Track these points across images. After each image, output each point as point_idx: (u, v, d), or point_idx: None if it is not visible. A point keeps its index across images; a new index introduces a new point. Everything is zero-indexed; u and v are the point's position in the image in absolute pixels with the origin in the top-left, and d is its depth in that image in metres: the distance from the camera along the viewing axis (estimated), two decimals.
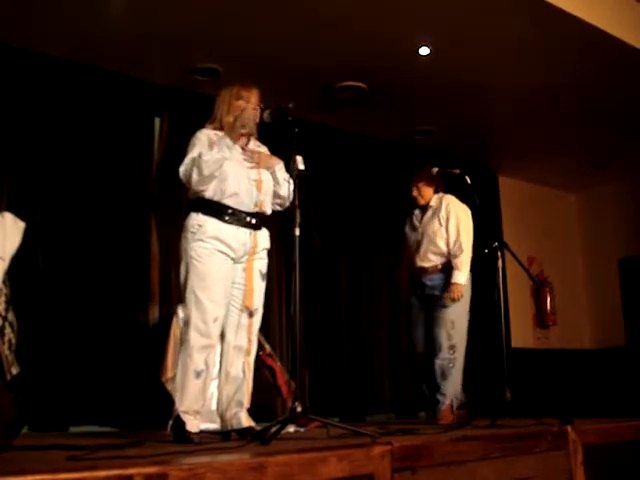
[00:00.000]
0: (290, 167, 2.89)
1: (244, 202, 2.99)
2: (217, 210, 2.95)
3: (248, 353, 3.08)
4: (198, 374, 2.89)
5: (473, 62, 4.89)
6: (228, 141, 3.03)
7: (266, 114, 3.06)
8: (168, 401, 3.97)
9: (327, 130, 5.86)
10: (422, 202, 4.45)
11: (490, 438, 2.61)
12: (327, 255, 5.57)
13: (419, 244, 4.41)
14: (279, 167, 3.11)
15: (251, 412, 3.08)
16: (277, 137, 3.16)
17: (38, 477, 1.40)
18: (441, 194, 4.44)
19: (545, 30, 4.48)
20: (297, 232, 2.76)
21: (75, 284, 4.42)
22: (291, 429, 3.62)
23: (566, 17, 4.31)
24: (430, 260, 4.35)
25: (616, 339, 7.38)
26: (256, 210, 3.04)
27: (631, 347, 7.22)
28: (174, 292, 4.62)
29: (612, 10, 4.66)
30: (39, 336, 4.08)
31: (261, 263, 3.11)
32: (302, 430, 3.74)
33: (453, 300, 4.23)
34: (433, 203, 4.42)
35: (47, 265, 4.35)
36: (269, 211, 3.15)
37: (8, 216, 3.10)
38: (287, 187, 3.11)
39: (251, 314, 3.08)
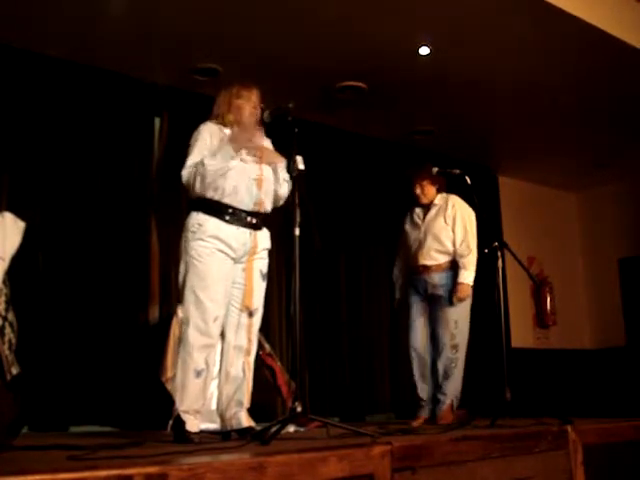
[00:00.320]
0: (290, 167, 2.88)
1: (244, 200, 2.98)
2: (217, 210, 2.95)
3: (248, 353, 3.07)
4: (198, 373, 2.89)
5: (473, 62, 4.89)
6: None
7: (266, 114, 3.06)
8: (168, 401, 3.98)
9: (327, 130, 5.86)
10: (424, 200, 4.44)
11: (490, 438, 2.60)
12: (327, 255, 5.57)
13: (421, 242, 4.37)
14: (281, 166, 3.11)
15: (251, 412, 3.07)
16: (277, 137, 3.17)
17: (38, 477, 1.40)
18: (445, 194, 4.44)
19: (545, 30, 4.48)
20: (297, 232, 2.75)
21: (75, 284, 4.43)
22: (291, 429, 3.62)
23: (566, 17, 4.31)
24: (434, 258, 4.33)
25: (616, 339, 7.39)
26: (256, 209, 3.03)
27: (631, 347, 7.22)
28: (174, 292, 4.62)
29: (612, 10, 4.66)
30: (39, 336, 4.09)
31: (262, 263, 3.10)
32: (302, 430, 3.74)
33: (460, 300, 4.23)
34: (438, 202, 4.40)
35: (47, 265, 4.35)
36: (269, 209, 3.14)
37: (8, 216, 3.10)
38: (286, 187, 3.11)
39: (251, 314, 3.07)
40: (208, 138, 3.00)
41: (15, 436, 2.33)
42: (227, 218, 2.95)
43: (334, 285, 5.83)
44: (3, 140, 4.29)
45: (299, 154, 2.87)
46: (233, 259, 2.98)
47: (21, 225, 3.09)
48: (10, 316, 3.01)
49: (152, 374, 4.12)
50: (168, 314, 4.47)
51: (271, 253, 3.18)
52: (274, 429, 2.52)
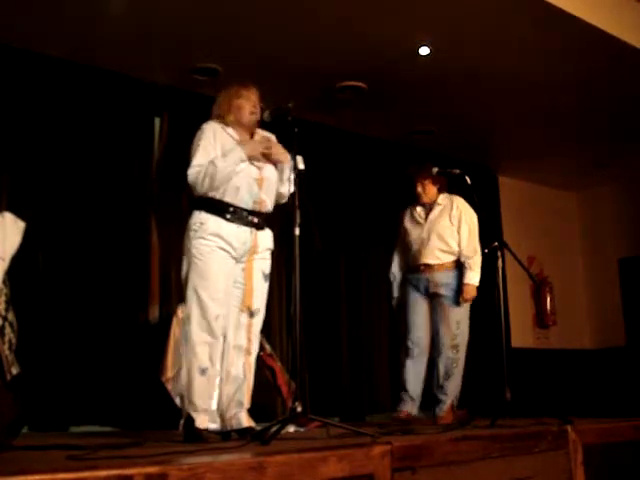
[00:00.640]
0: (290, 167, 2.89)
1: (244, 199, 2.99)
2: (219, 208, 2.97)
3: (248, 353, 3.07)
4: (203, 371, 2.90)
5: (473, 62, 4.89)
6: (234, 134, 3.05)
7: (266, 114, 3.06)
8: (168, 401, 3.99)
9: (327, 130, 5.86)
10: (425, 199, 4.43)
11: (490, 438, 2.61)
12: (327, 255, 5.56)
13: (424, 241, 4.36)
14: (288, 165, 3.09)
15: (251, 412, 3.08)
16: (277, 137, 3.17)
17: (38, 477, 1.40)
18: (448, 194, 4.43)
19: (545, 30, 4.48)
20: (297, 232, 2.76)
21: (75, 284, 4.42)
22: (291, 429, 3.62)
23: (566, 17, 4.31)
24: (437, 257, 4.32)
25: (616, 339, 7.38)
26: (256, 208, 3.03)
27: (631, 347, 7.22)
28: (174, 292, 4.63)
29: (612, 10, 4.66)
30: (39, 336, 4.08)
31: (264, 264, 3.11)
32: (302, 430, 3.74)
33: (466, 301, 4.23)
34: (442, 202, 4.40)
35: (47, 265, 4.35)
36: (271, 209, 3.15)
37: (8, 216, 3.10)
38: (288, 186, 3.12)
39: (252, 314, 3.07)
40: (212, 137, 3.02)
41: (15, 436, 2.33)
42: (228, 217, 2.97)
43: (334, 285, 5.83)
44: (3, 140, 4.29)
45: (299, 154, 2.87)
46: (234, 258, 2.99)
47: (21, 225, 3.09)
48: (10, 316, 3.01)
49: (152, 374, 4.12)
50: (168, 314, 4.47)
51: (271, 253, 3.19)
52: (274, 429, 2.52)
